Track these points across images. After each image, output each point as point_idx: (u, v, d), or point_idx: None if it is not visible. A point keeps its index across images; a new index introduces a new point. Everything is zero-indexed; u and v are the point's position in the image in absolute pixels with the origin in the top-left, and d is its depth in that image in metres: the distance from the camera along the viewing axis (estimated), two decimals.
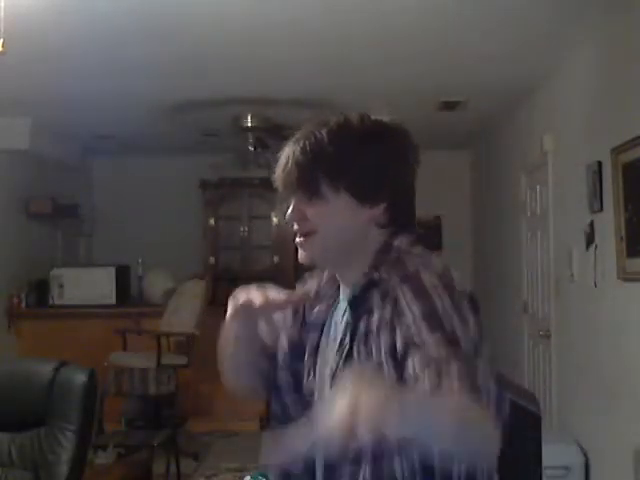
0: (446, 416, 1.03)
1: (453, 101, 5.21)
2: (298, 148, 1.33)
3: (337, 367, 1.30)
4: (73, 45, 3.85)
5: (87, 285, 6.25)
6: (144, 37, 3.76)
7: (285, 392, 1.41)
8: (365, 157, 1.31)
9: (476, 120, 5.96)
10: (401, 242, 1.34)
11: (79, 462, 2.51)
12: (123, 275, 6.54)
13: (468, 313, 1.20)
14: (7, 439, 2.55)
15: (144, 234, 7.25)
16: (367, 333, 1.26)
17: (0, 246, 5.73)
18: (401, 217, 1.35)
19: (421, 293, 1.21)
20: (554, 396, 4.54)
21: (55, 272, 6.23)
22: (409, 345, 1.17)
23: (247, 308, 1.33)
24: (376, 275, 1.29)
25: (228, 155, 6.16)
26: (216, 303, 6.30)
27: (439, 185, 7.46)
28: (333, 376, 1.30)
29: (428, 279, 1.22)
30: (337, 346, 1.32)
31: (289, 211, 1.38)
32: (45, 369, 2.58)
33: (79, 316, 6.05)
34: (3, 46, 2.68)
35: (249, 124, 5.72)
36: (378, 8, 3.40)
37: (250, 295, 1.33)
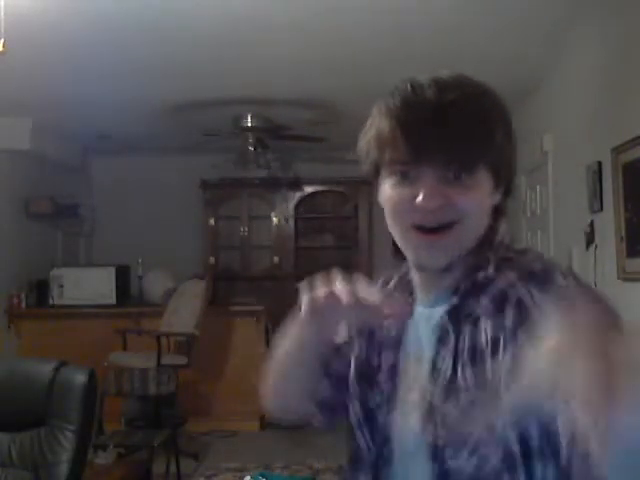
0: None
1: None
2: (461, 105, 0.99)
3: (433, 396, 1.00)
4: (74, 45, 3.85)
5: (87, 285, 6.25)
6: (144, 37, 3.76)
7: (355, 428, 1.12)
8: (509, 129, 1.07)
9: None
10: (504, 232, 1.10)
11: (79, 462, 2.51)
12: (123, 275, 6.54)
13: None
14: (7, 439, 2.55)
15: (144, 234, 7.25)
16: (474, 350, 0.97)
17: (0, 246, 5.74)
18: (504, 205, 1.10)
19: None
20: None
21: (55, 272, 6.23)
22: None
23: (330, 308, 0.98)
24: (482, 275, 1.02)
25: (228, 155, 6.16)
26: (216, 303, 6.31)
27: None
28: (429, 410, 1.00)
29: (559, 278, 1.00)
30: (429, 369, 1.02)
31: (425, 192, 0.98)
32: (45, 369, 2.58)
33: (79, 316, 6.05)
34: (4, 46, 2.69)
35: (249, 124, 5.73)
36: (378, 9, 3.40)
37: (337, 290, 0.97)
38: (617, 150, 3.36)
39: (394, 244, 1.10)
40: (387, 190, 1.03)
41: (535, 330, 0.86)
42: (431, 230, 0.99)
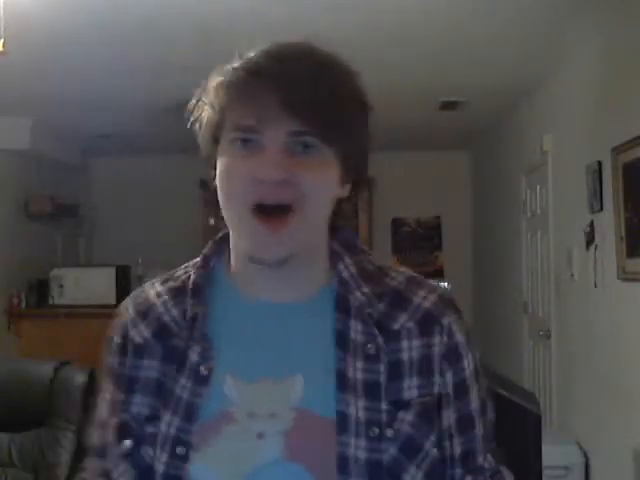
0: None
1: (453, 101, 5.21)
2: (326, 68, 0.92)
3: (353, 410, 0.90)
4: (73, 45, 3.85)
5: (87, 285, 6.24)
6: (144, 37, 3.76)
7: None
8: (363, 119, 0.96)
9: (476, 120, 5.96)
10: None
11: (79, 462, 2.50)
12: (123, 275, 6.54)
13: None
14: (7, 439, 2.55)
15: (144, 234, 7.25)
16: (398, 365, 0.93)
17: (0, 246, 5.74)
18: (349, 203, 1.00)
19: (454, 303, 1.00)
20: (554, 396, 4.54)
21: (55, 272, 6.23)
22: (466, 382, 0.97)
23: None
24: (392, 282, 0.98)
25: None
26: None
27: (439, 185, 7.47)
28: (345, 424, 0.90)
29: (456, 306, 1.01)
30: (336, 382, 0.91)
31: (267, 161, 0.87)
32: (45, 369, 2.58)
33: (79, 316, 6.05)
34: (3, 46, 2.68)
35: None
36: (378, 8, 3.40)
37: None
38: (617, 150, 3.36)
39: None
40: (222, 163, 0.92)
41: (461, 363, 0.95)
42: (271, 213, 0.88)
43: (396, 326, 0.94)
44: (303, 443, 0.90)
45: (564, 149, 4.33)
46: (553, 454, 3.23)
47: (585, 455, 3.89)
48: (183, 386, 0.93)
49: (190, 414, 0.92)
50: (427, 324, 0.94)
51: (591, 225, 3.75)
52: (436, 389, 0.94)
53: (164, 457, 0.92)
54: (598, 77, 3.77)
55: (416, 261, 7.61)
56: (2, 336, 5.79)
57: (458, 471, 0.97)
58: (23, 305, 6.03)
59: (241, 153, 0.89)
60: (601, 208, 3.60)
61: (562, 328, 4.41)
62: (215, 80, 0.92)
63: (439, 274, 7.37)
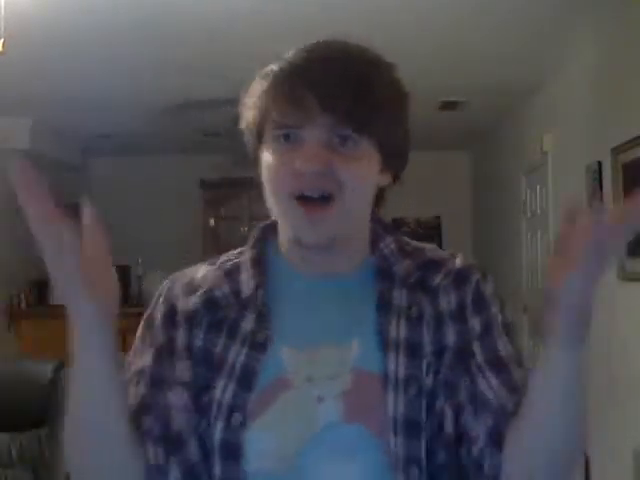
0: None
1: (453, 101, 5.21)
2: (372, 66, 1.00)
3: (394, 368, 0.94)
4: (73, 45, 3.85)
5: None
6: (144, 37, 3.76)
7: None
8: (402, 114, 1.00)
9: (476, 120, 5.96)
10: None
11: None
12: (123, 275, 6.54)
13: None
14: (7, 439, 2.55)
15: (144, 234, 7.25)
16: (439, 315, 0.98)
17: (0, 246, 5.73)
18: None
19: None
20: None
21: None
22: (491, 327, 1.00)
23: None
24: (433, 254, 1.04)
25: (228, 155, 6.16)
26: None
27: (439, 185, 7.47)
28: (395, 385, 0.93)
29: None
30: (376, 342, 0.95)
31: (305, 155, 0.91)
32: (45, 369, 2.58)
33: None
34: (3, 46, 2.68)
35: None
36: (377, 7, 3.40)
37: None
38: (617, 150, 3.36)
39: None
40: (267, 157, 0.97)
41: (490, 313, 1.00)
42: (312, 202, 0.92)
43: (434, 283, 1.00)
44: (361, 402, 0.93)
45: (564, 149, 4.33)
46: None
47: (585, 455, 3.89)
48: (237, 353, 0.95)
49: (247, 380, 0.93)
50: (459, 280, 1.00)
51: None
52: (470, 335, 0.97)
53: (220, 424, 0.93)
54: (598, 77, 3.77)
55: None
56: (2, 336, 5.79)
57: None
58: (23, 305, 6.03)
59: (283, 148, 0.94)
60: None
61: None
62: (257, 82, 1.00)
63: None
